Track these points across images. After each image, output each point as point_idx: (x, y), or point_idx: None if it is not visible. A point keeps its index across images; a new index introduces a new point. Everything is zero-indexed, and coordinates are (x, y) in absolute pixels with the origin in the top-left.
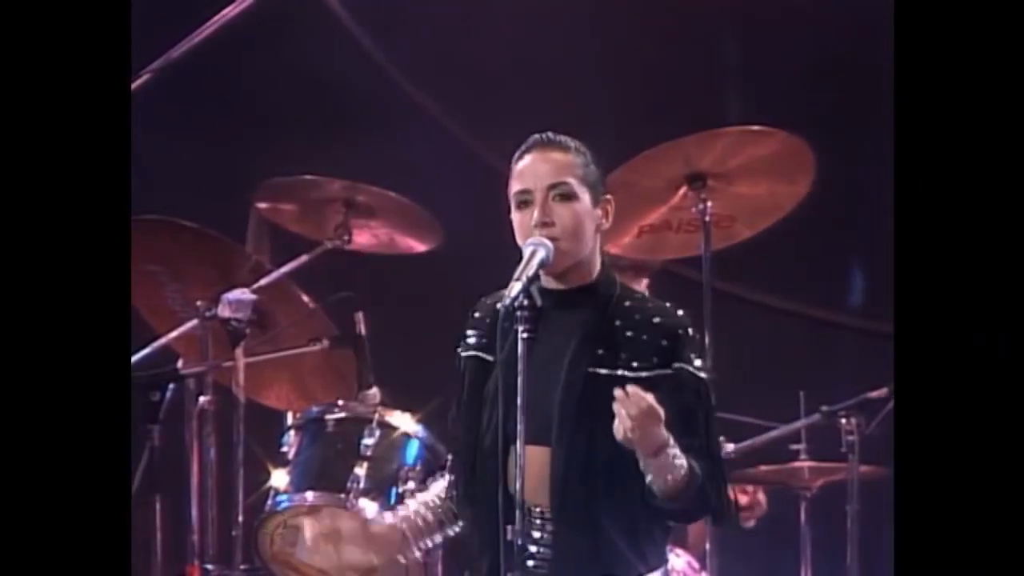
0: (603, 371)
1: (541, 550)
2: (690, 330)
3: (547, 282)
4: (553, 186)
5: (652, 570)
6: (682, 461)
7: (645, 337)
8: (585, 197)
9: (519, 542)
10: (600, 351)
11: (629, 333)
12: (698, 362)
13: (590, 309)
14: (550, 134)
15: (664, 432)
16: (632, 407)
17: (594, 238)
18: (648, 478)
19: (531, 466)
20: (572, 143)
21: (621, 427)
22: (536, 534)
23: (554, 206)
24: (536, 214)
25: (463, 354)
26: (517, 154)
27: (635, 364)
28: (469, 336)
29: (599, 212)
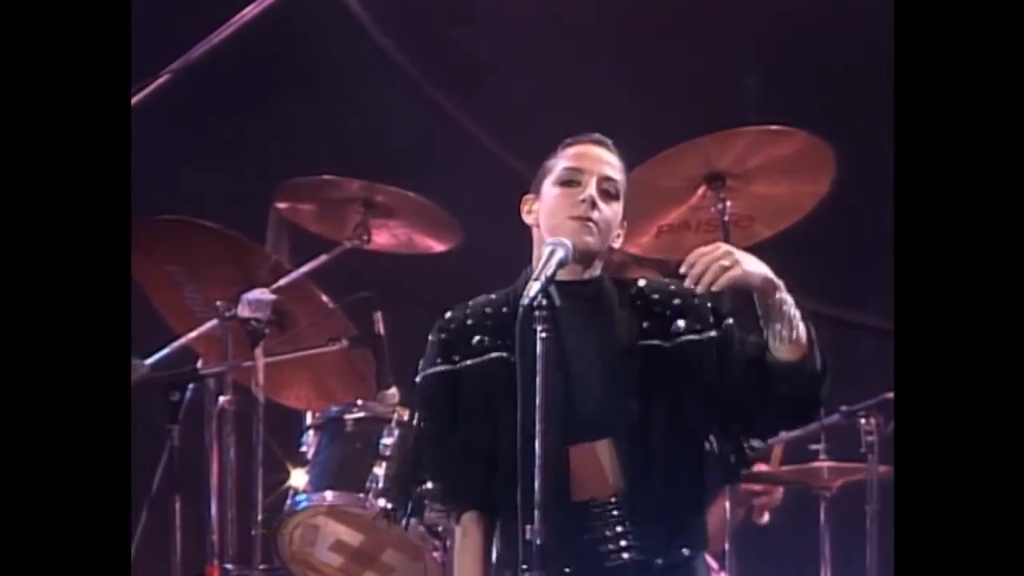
0: (654, 342)
1: (623, 542)
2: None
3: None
4: (606, 178)
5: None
6: (798, 313)
7: (696, 301)
8: (621, 206)
9: (538, 541)
10: (645, 324)
11: (677, 301)
12: (731, 320)
13: (606, 297)
14: (608, 140)
15: (763, 265)
16: (698, 256)
17: (608, 249)
18: (771, 342)
19: (587, 463)
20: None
21: (710, 275)
22: (615, 529)
23: (604, 199)
24: (591, 193)
25: (474, 361)
26: (571, 140)
27: (698, 327)
28: (479, 340)
29: (619, 230)
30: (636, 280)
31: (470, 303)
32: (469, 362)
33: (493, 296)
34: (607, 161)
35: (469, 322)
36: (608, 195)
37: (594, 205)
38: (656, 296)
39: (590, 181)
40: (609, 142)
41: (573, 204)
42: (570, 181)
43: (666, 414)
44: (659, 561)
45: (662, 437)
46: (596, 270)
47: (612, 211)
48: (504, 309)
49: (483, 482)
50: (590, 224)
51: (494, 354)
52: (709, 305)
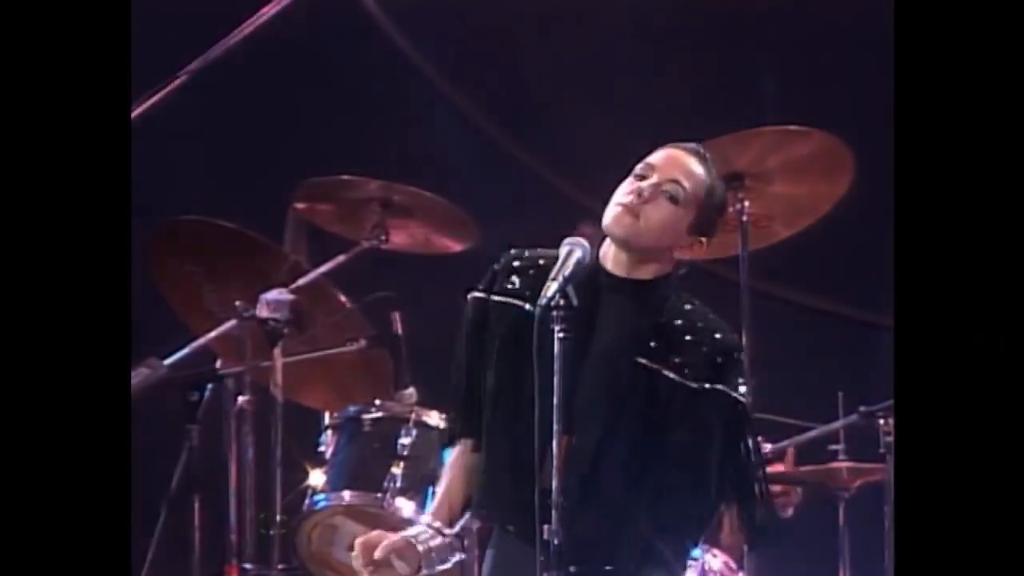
0: (650, 364)
1: (556, 539)
2: (742, 355)
3: (606, 261)
4: (672, 181)
5: (662, 565)
6: None
7: (704, 349)
8: (686, 214)
9: (555, 541)
10: (652, 344)
11: (688, 338)
12: (743, 388)
13: (639, 303)
14: (707, 153)
15: None
16: None
17: (667, 252)
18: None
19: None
20: (714, 177)
21: None
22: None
23: (658, 197)
24: (643, 186)
25: (499, 298)
26: (672, 144)
27: (687, 371)
28: (512, 281)
29: (688, 240)
30: (678, 300)
31: (538, 250)
32: (496, 298)
33: (552, 252)
34: (684, 167)
35: (516, 263)
36: (669, 196)
37: (641, 196)
38: (679, 322)
39: (653, 178)
40: (707, 156)
41: (626, 192)
42: (640, 175)
43: (629, 437)
44: (573, 568)
45: (618, 457)
46: (649, 271)
47: (665, 212)
48: (534, 260)
49: (480, 417)
50: (629, 214)
51: (515, 300)
52: (738, 356)
